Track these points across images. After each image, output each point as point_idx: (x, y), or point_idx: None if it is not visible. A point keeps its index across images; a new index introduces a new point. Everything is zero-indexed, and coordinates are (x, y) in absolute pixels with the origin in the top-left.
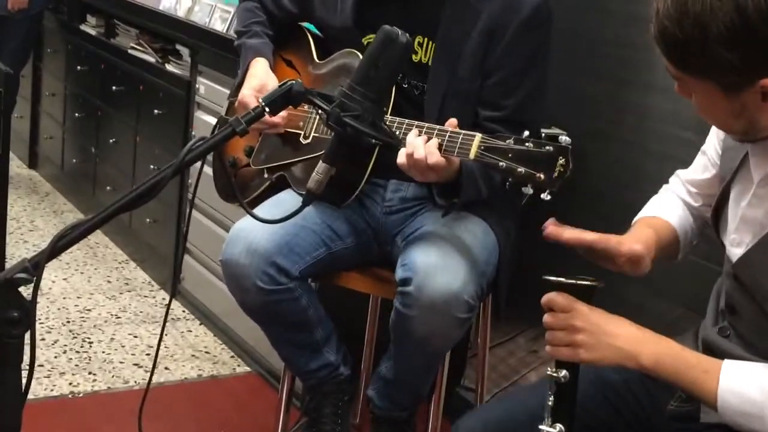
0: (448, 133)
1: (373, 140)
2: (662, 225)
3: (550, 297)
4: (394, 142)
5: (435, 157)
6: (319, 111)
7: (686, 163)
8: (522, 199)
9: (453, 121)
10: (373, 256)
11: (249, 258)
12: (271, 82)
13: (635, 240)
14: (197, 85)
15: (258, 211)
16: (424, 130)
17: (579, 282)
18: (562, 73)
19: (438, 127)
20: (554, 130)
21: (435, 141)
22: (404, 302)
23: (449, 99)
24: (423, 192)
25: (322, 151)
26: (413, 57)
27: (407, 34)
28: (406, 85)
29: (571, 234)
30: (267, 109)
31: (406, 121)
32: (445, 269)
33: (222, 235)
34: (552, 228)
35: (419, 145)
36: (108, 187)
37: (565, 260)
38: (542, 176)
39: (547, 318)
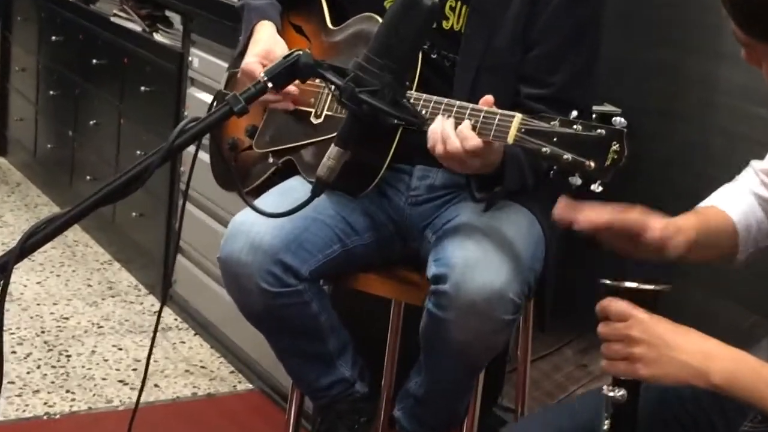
0: (482, 114)
1: (394, 120)
2: (715, 214)
3: (605, 303)
4: (419, 122)
5: (472, 141)
6: (331, 86)
7: (761, 144)
8: (570, 190)
9: (488, 98)
10: (396, 254)
11: (251, 255)
12: (279, 49)
13: (663, 221)
14: (190, 58)
15: (261, 201)
16: (454, 110)
17: (641, 286)
18: (615, 40)
19: (470, 105)
20: (607, 107)
21: (467, 123)
22: (439, 303)
23: (484, 73)
24: (455, 179)
25: (336, 133)
26: (444, 24)
27: None
28: (435, 56)
29: (585, 218)
30: (270, 84)
31: (434, 98)
32: (487, 264)
33: (221, 231)
34: (563, 209)
35: (450, 133)
36: (87, 177)
37: (624, 260)
38: (593, 164)
39: (601, 328)
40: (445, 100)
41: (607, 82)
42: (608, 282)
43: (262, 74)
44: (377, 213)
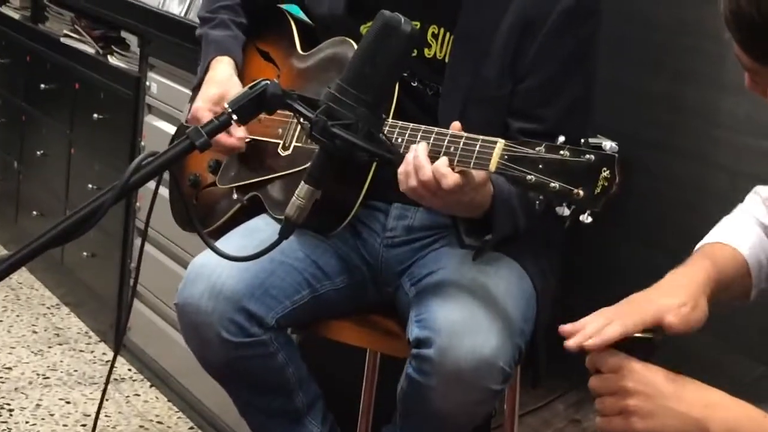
0: (462, 140)
1: (368, 155)
2: (727, 255)
3: (595, 356)
4: (395, 158)
5: (450, 179)
6: (301, 119)
7: (764, 180)
8: (564, 224)
9: (456, 124)
10: (370, 299)
11: (212, 301)
12: (233, 91)
13: (676, 297)
14: (148, 83)
15: (225, 242)
16: (432, 137)
17: (634, 335)
18: (609, 66)
19: (450, 132)
20: (600, 139)
21: (444, 160)
22: (421, 369)
23: (471, 106)
24: (436, 219)
25: (306, 165)
26: (425, 51)
27: (412, 22)
28: (415, 84)
29: (595, 342)
30: (234, 117)
31: (410, 126)
32: (475, 328)
33: (181, 273)
34: (572, 343)
35: (423, 161)
36: (34, 212)
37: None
38: (581, 192)
39: (593, 381)
40: (423, 127)
41: (599, 111)
42: None
43: (227, 105)
44: (350, 255)
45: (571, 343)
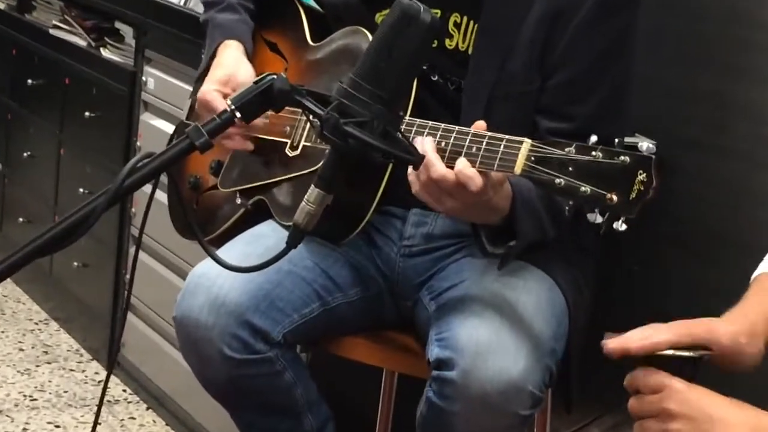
0: (485, 140)
1: (384, 156)
2: None
3: (635, 375)
4: (413, 159)
5: (477, 181)
6: (311, 117)
7: None
8: (598, 232)
9: (480, 123)
10: (387, 313)
11: (213, 315)
12: (243, 73)
13: (732, 325)
14: (144, 78)
15: (228, 250)
16: (453, 135)
17: (677, 353)
18: (648, 60)
19: (471, 130)
20: (636, 138)
21: (463, 160)
22: (442, 393)
23: (496, 102)
24: (457, 227)
25: (316, 167)
26: (447, 42)
27: (433, 10)
28: (435, 78)
29: (640, 344)
30: (238, 115)
31: (430, 123)
32: (501, 348)
33: (179, 285)
34: (613, 344)
35: (433, 161)
36: (20, 218)
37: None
38: (615, 197)
39: (633, 403)
40: (443, 125)
41: (636, 109)
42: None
43: (229, 102)
44: (364, 265)
45: (612, 345)
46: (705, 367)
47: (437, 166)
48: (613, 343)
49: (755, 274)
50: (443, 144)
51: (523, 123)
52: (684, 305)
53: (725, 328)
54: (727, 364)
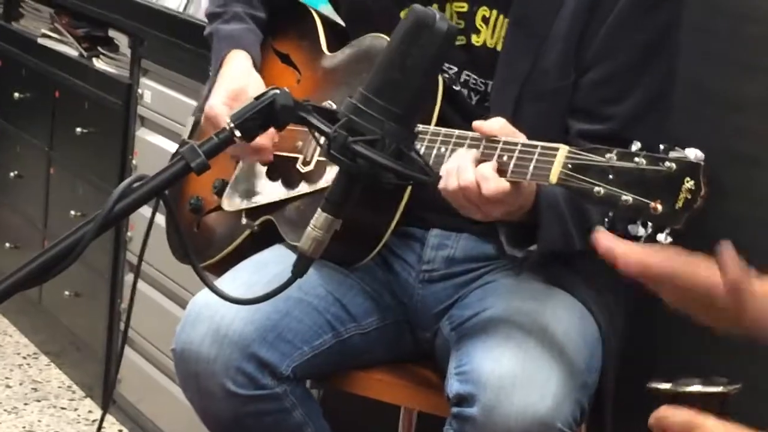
0: (518, 148)
1: (397, 177)
2: None
3: (662, 413)
4: (430, 180)
5: (493, 183)
6: (318, 135)
7: None
8: (642, 241)
9: (495, 123)
10: (405, 346)
11: (216, 347)
12: (254, 87)
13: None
14: (140, 91)
15: (232, 278)
16: (482, 145)
17: (705, 389)
18: (691, 65)
19: (503, 138)
20: (679, 151)
21: (490, 164)
22: (463, 431)
23: (527, 102)
24: (482, 249)
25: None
26: (474, 39)
27: (459, 5)
28: (458, 87)
29: (634, 257)
30: (238, 133)
31: (456, 132)
32: (528, 382)
33: (180, 316)
34: (602, 238)
35: (466, 166)
36: (7, 244)
37: (694, 353)
38: (660, 207)
39: None
40: (470, 134)
41: (679, 118)
42: (660, 386)
43: (229, 119)
44: (380, 293)
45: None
46: (735, 403)
47: (469, 172)
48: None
49: None
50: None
51: (554, 124)
52: (727, 337)
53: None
54: (737, 307)
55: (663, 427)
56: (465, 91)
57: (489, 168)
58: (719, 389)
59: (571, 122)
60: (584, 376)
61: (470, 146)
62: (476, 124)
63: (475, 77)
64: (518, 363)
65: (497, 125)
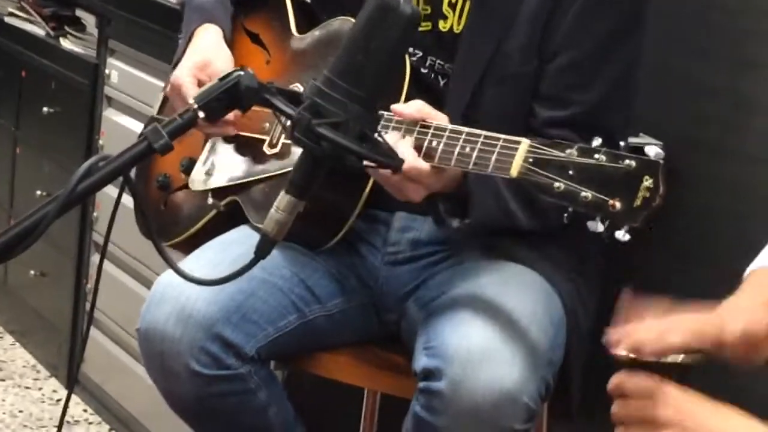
0: (480, 140)
1: (362, 160)
2: None
3: (621, 378)
4: (393, 163)
5: (415, 163)
6: (281, 117)
7: None
8: (603, 236)
9: (413, 105)
10: (370, 329)
11: (181, 327)
12: (222, 61)
13: (741, 314)
14: (108, 71)
15: (197, 257)
16: (446, 134)
17: (664, 360)
18: (657, 52)
19: (466, 130)
20: (644, 139)
21: (409, 140)
22: (430, 406)
23: (488, 86)
24: (446, 232)
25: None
26: (440, 24)
27: (414, 4)
28: (425, 70)
29: (655, 347)
30: (201, 115)
31: (420, 122)
32: (494, 357)
33: (146, 296)
34: (621, 339)
35: (405, 147)
36: None
37: None
38: (618, 204)
39: (617, 408)
40: (434, 123)
41: (643, 106)
42: (623, 354)
43: (192, 101)
44: (345, 275)
45: (619, 338)
46: (697, 370)
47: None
48: (619, 335)
49: (746, 271)
50: (434, 144)
51: (514, 110)
52: None
53: (732, 319)
54: (745, 355)
55: (622, 392)
56: (432, 75)
57: (407, 145)
58: (679, 359)
59: (538, 110)
60: (549, 354)
61: (434, 135)
62: (394, 107)
63: (441, 62)
64: (486, 339)
65: (414, 108)
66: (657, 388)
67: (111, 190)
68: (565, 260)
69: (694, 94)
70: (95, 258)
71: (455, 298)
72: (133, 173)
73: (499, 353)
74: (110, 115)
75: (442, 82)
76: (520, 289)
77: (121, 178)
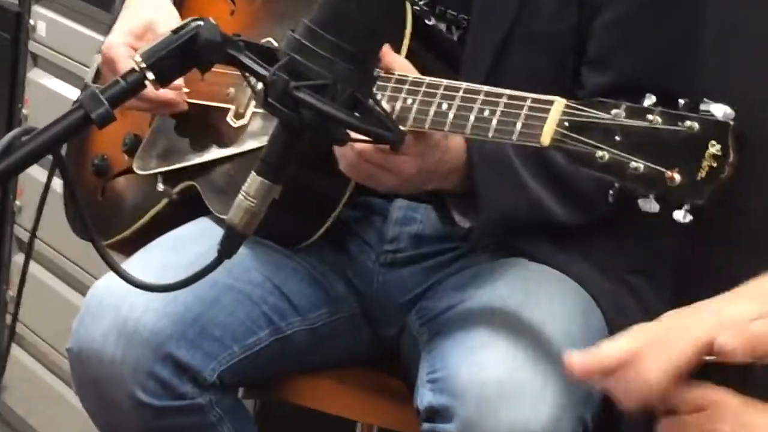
0: (503, 100)
1: (355, 132)
2: None
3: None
4: (393, 137)
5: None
6: (252, 78)
7: None
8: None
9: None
10: (362, 345)
11: (123, 346)
12: (165, 21)
13: (746, 303)
14: (33, 22)
15: (143, 259)
16: (459, 95)
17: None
18: (722, 4)
19: (485, 88)
20: (707, 104)
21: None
22: None
23: (514, 46)
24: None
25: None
26: None
27: None
28: (431, 21)
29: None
30: (150, 76)
31: (426, 80)
32: (517, 393)
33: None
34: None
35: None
36: None
37: None
38: (677, 177)
39: (668, 427)
40: (444, 82)
41: (710, 66)
42: None
43: (138, 58)
44: (331, 279)
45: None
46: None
47: None
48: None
49: None
50: (444, 107)
51: (549, 76)
52: None
53: (735, 318)
54: (737, 357)
55: (670, 405)
56: (443, 25)
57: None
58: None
59: (584, 75)
60: (588, 386)
61: (444, 97)
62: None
63: (453, 12)
64: (505, 369)
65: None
66: (714, 397)
67: (38, 173)
68: (614, 256)
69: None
70: (18, 258)
71: (467, 312)
72: (64, 152)
73: (522, 388)
74: (36, 77)
75: (457, 34)
76: (549, 302)
77: (50, 157)
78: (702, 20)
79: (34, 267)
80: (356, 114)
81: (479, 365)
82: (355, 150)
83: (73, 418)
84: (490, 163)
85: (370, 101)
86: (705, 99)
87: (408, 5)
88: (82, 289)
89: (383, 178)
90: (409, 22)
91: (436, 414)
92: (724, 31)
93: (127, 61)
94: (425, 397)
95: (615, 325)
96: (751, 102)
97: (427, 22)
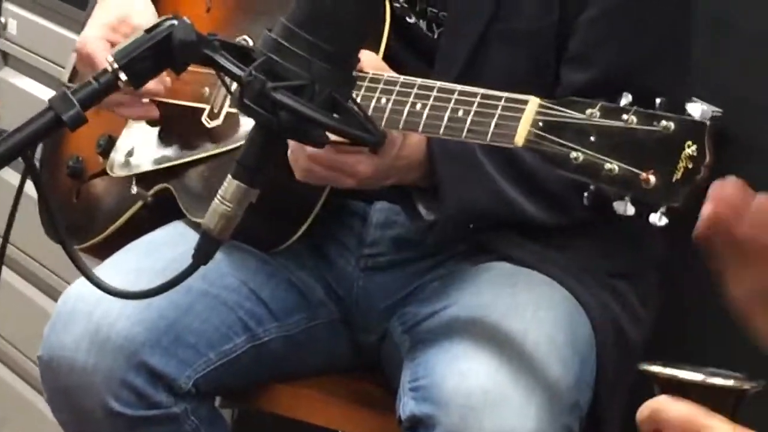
0: (476, 100)
1: (334, 134)
2: None
3: (657, 405)
4: (373, 139)
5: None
6: (225, 79)
7: None
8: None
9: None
10: (342, 352)
11: (95, 354)
12: (140, 14)
13: None
14: (3, 19)
15: (116, 264)
16: (433, 95)
17: (713, 382)
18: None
19: (459, 87)
20: (694, 102)
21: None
22: None
23: (491, 44)
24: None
25: (242, 142)
26: None
27: None
28: (412, 19)
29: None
30: (123, 77)
31: (401, 79)
32: (502, 402)
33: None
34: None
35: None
36: None
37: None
38: (652, 178)
39: None
40: (418, 81)
41: (699, 63)
42: (658, 369)
43: (110, 58)
44: (309, 284)
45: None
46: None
47: None
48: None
49: None
50: (418, 107)
51: (527, 76)
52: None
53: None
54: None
55: (658, 424)
56: (423, 23)
57: None
58: (730, 383)
59: (563, 73)
60: (575, 394)
61: (418, 96)
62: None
63: (434, 10)
64: (490, 377)
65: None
66: (702, 421)
67: (9, 176)
68: (596, 260)
69: (757, 48)
70: None
71: (451, 319)
72: (37, 155)
73: (507, 397)
74: (6, 76)
75: (437, 32)
76: (535, 308)
77: (20, 161)
78: (691, 17)
79: (5, 272)
80: (335, 115)
81: (463, 374)
82: (306, 154)
83: (46, 428)
84: (452, 156)
85: (349, 102)
86: (694, 98)
87: (387, 3)
88: (55, 295)
89: (339, 180)
90: (387, 19)
91: (418, 423)
92: (715, 28)
93: (105, 54)
94: (408, 405)
95: (599, 333)
96: (742, 101)
97: (407, 19)
